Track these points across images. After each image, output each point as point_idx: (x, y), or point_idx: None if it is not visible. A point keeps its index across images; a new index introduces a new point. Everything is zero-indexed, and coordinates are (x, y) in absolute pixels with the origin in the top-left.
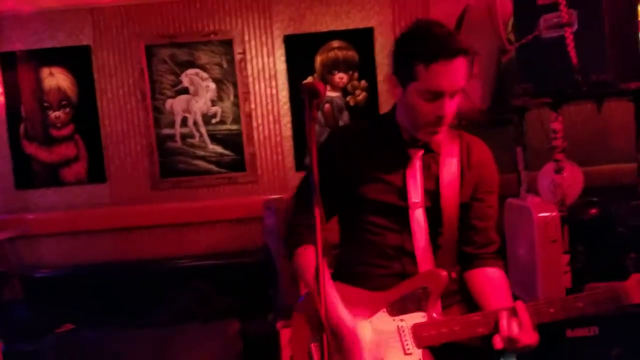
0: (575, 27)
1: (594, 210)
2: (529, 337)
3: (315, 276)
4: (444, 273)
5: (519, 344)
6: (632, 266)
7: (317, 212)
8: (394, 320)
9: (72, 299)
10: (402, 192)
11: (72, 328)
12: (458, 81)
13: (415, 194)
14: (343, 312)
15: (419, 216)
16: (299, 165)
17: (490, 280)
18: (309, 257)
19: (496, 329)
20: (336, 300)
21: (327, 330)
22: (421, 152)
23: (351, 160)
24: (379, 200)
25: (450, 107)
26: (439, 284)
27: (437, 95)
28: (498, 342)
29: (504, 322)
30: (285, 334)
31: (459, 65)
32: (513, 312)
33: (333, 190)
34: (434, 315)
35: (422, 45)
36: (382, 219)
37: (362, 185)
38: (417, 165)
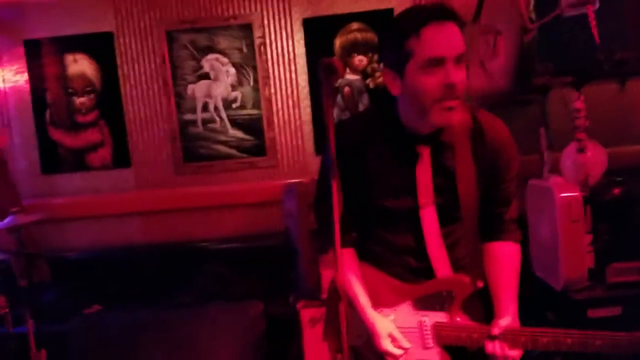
0: (597, 5)
1: (616, 190)
2: None
3: (348, 284)
4: (469, 281)
5: None
6: None
7: (334, 186)
8: (416, 314)
9: (98, 281)
10: (412, 193)
11: (99, 309)
12: (457, 45)
13: (425, 192)
14: (366, 305)
15: (429, 215)
16: (319, 149)
17: (503, 259)
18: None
19: (512, 345)
20: (359, 293)
21: (343, 300)
22: (430, 148)
23: (358, 162)
24: (389, 206)
25: (457, 75)
26: (464, 291)
27: (437, 63)
28: (489, 349)
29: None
30: (306, 315)
31: (452, 29)
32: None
33: (351, 189)
34: (458, 319)
35: (408, 19)
36: (396, 221)
37: (372, 189)
38: (426, 162)
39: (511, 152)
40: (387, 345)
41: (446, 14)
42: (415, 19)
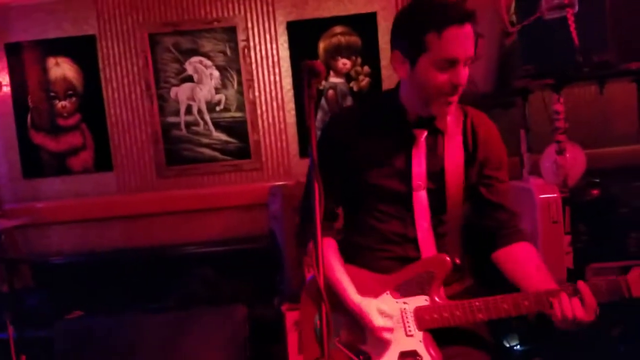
0: (577, 8)
1: (595, 191)
2: None
3: (328, 266)
4: (448, 259)
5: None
6: (633, 246)
7: (317, 188)
8: (397, 302)
9: (81, 286)
10: (406, 175)
11: (81, 314)
12: (470, 48)
13: (419, 176)
14: (349, 289)
15: (421, 198)
16: (303, 151)
17: (523, 259)
18: (325, 251)
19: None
20: (343, 278)
21: (325, 301)
22: (426, 133)
23: (355, 144)
24: (383, 186)
25: (464, 75)
26: (443, 270)
27: (452, 63)
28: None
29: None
30: (290, 317)
31: (469, 31)
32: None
33: (339, 178)
34: (437, 299)
35: (430, 14)
36: (385, 205)
37: (366, 170)
38: (422, 146)
39: (500, 143)
40: (380, 320)
41: (467, 17)
42: (438, 17)
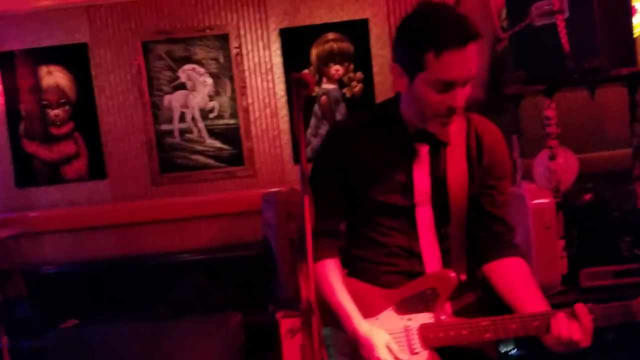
0: (567, 14)
1: (588, 196)
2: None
3: (334, 296)
4: (454, 275)
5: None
6: (627, 249)
7: (306, 201)
8: (401, 319)
9: (75, 295)
10: (409, 191)
11: (75, 323)
12: (470, 69)
13: (422, 191)
14: (355, 316)
15: (425, 214)
16: (297, 158)
17: (515, 274)
18: (327, 275)
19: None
20: (347, 303)
21: (315, 314)
22: (428, 146)
23: (356, 158)
24: (385, 202)
25: (462, 96)
26: (448, 286)
27: (448, 86)
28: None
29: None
30: (285, 324)
31: (471, 51)
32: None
33: (342, 193)
34: (442, 317)
35: (430, 32)
36: (389, 219)
37: (368, 185)
38: (424, 160)
39: (505, 150)
40: (385, 355)
41: (469, 38)
42: (439, 37)
